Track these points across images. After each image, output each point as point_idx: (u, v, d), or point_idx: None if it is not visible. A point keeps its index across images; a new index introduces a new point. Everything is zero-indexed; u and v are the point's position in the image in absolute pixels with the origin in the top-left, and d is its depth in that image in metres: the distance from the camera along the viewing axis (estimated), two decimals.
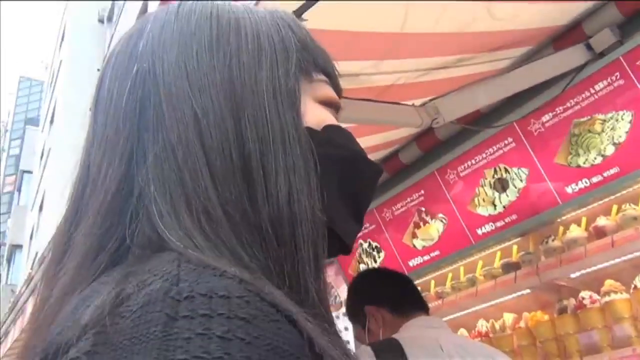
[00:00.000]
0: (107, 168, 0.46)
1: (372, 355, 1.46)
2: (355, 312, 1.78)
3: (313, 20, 1.26)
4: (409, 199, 3.06)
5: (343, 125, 0.57)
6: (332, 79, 0.58)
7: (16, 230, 25.56)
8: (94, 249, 0.43)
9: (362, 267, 3.38)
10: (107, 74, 0.51)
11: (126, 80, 0.48)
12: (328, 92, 0.56)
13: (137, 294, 0.35)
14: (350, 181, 0.54)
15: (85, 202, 0.46)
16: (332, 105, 0.56)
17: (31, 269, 3.64)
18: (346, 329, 3.63)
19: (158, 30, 0.51)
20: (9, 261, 26.55)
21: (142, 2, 11.13)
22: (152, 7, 9.82)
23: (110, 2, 15.45)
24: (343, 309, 3.67)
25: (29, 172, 26.54)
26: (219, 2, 0.55)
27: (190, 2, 0.54)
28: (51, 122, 17.62)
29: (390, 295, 1.72)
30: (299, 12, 1.08)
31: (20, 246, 24.27)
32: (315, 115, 0.53)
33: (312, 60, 0.55)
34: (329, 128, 0.53)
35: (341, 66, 1.85)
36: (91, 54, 15.89)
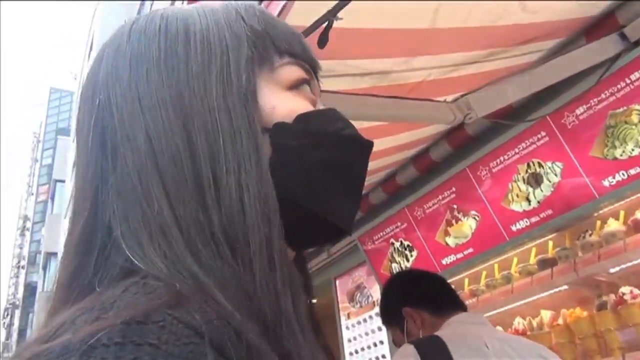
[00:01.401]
0: (82, 196, 0.48)
1: (415, 352, 1.44)
2: (392, 315, 1.75)
3: (344, 18, 1.27)
4: (440, 197, 3.04)
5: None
6: (301, 56, 0.56)
7: (51, 238, 26.17)
8: (71, 277, 0.45)
9: (395, 266, 3.36)
10: (80, 103, 0.53)
11: (91, 112, 0.50)
12: (294, 73, 0.54)
13: (71, 324, 0.35)
14: (334, 164, 0.52)
15: (71, 228, 0.48)
16: (302, 84, 0.55)
17: None
18: (379, 328, 3.64)
19: (112, 55, 0.51)
20: (44, 268, 27.20)
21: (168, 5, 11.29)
22: None
23: (139, 2, 15.67)
24: (376, 309, 3.66)
25: (62, 181, 27.15)
26: (170, 10, 0.54)
27: (143, 17, 0.54)
28: None
29: (428, 295, 1.70)
30: (333, 12, 1.08)
31: (55, 254, 24.84)
32: (286, 107, 0.52)
33: (272, 45, 0.54)
34: (300, 117, 0.52)
35: (373, 64, 1.84)
36: None
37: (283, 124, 0.51)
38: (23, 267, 40.05)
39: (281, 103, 0.52)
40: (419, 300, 1.69)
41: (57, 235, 24.21)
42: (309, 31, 1.09)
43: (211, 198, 0.43)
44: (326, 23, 1.07)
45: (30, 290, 34.27)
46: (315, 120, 0.53)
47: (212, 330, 0.35)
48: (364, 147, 0.56)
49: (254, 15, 0.54)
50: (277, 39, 0.54)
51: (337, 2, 1.09)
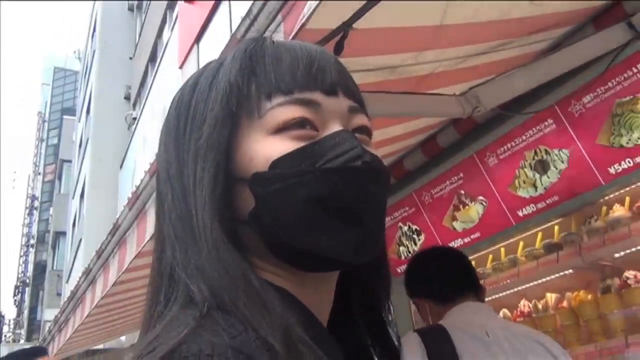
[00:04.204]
0: (155, 237, 0.59)
1: (419, 340, 1.52)
2: (410, 295, 1.86)
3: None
4: (448, 182, 3.09)
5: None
6: (301, 87, 0.55)
7: (59, 217, 26.38)
8: (150, 304, 0.55)
9: (403, 249, 3.42)
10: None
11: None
12: (281, 116, 0.54)
13: (160, 341, 0.44)
14: (317, 199, 0.52)
15: (152, 263, 0.59)
16: (292, 125, 0.54)
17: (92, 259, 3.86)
18: None
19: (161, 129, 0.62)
20: (53, 247, 27.51)
21: None
22: None
23: None
24: None
25: (68, 161, 27.23)
26: (193, 76, 0.61)
27: (178, 92, 0.62)
28: (87, 111, 18.00)
29: (432, 286, 1.76)
30: (349, 23, 1.11)
31: (63, 233, 25.06)
32: (264, 154, 0.53)
33: (258, 91, 0.55)
34: (274, 163, 0.53)
35: (382, 60, 1.86)
36: (123, 42, 16.10)
37: (257, 174, 0.53)
38: (32, 246, 40.54)
39: (259, 152, 0.54)
40: (423, 292, 1.78)
41: (65, 214, 24.38)
42: (324, 41, 1.12)
43: (198, 242, 0.52)
44: (342, 33, 1.11)
45: (40, 268, 34.74)
46: (291, 162, 0.53)
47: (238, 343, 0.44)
48: (363, 172, 0.53)
49: (242, 61, 0.57)
50: (264, 83, 0.55)
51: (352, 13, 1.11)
